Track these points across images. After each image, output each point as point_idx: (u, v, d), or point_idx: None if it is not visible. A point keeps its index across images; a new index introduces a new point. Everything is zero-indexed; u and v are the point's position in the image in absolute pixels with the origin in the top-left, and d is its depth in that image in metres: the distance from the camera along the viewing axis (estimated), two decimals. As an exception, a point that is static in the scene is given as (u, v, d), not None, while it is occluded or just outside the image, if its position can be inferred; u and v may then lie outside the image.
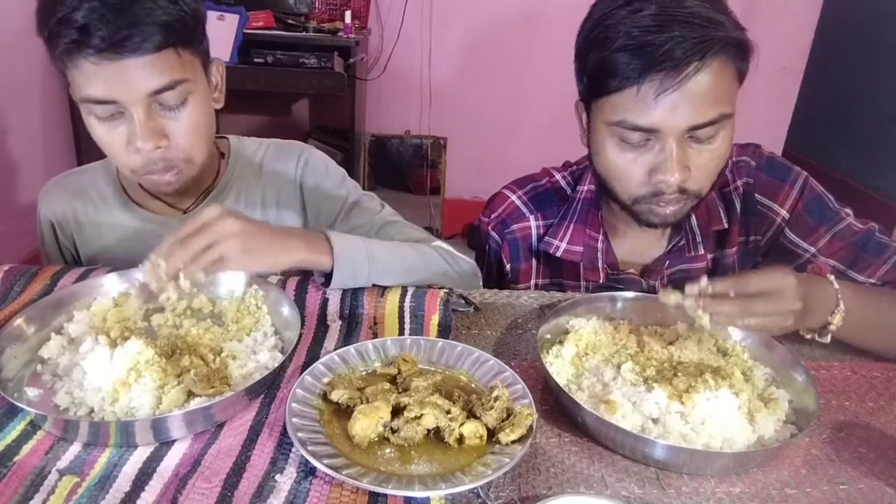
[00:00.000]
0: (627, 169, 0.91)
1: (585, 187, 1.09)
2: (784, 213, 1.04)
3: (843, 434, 0.75)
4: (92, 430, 0.66)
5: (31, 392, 0.74)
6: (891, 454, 0.72)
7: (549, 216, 1.11)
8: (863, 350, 0.90)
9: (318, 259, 0.91)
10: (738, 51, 0.85)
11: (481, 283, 1.10)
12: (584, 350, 0.83)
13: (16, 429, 0.68)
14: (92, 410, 0.70)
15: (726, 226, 1.05)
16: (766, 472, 0.68)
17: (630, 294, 0.93)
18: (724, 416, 0.70)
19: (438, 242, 1.08)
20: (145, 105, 0.90)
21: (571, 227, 1.08)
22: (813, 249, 1.03)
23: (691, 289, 0.76)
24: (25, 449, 0.66)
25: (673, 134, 0.85)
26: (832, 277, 0.85)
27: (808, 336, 0.87)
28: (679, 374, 0.76)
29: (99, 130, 0.93)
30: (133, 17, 0.84)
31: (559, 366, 0.81)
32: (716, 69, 0.83)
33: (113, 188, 1.13)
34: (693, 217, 1.02)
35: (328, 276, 0.92)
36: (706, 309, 0.74)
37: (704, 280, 0.75)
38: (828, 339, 0.85)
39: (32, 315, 0.81)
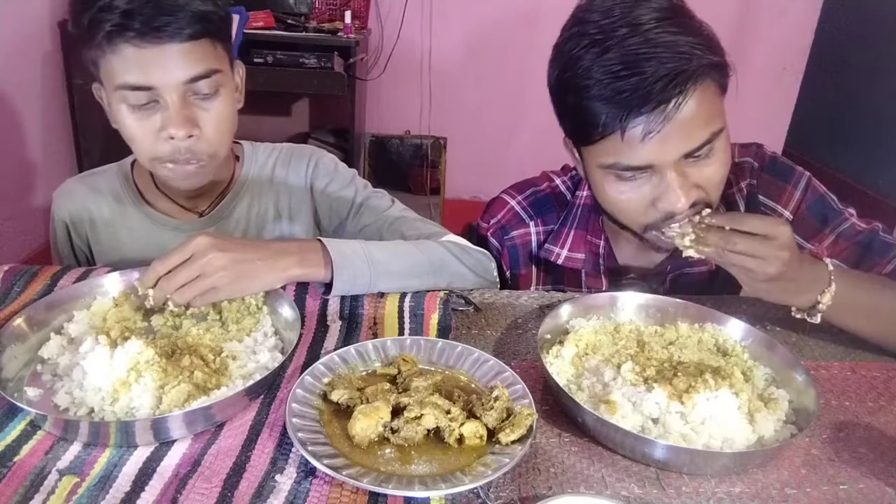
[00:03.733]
0: (631, 202, 0.91)
1: (585, 192, 1.08)
2: (787, 214, 1.03)
3: (843, 434, 0.75)
4: (92, 430, 0.66)
5: (31, 392, 0.74)
6: (891, 454, 0.72)
7: (549, 222, 1.10)
8: (855, 336, 0.90)
9: (314, 272, 0.91)
10: (717, 71, 0.84)
11: (496, 271, 1.07)
12: (584, 350, 0.83)
13: (16, 429, 0.68)
14: (92, 410, 0.70)
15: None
16: (766, 472, 0.68)
17: (630, 294, 0.93)
18: (724, 416, 0.70)
19: (450, 236, 1.07)
20: (180, 92, 0.93)
21: (572, 233, 1.07)
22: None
23: (690, 219, 0.80)
24: (25, 449, 0.66)
25: (668, 165, 0.85)
26: (828, 260, 0.84)
27: (798, 315, 0.87)
28: (679, 374, 0.76)
29: (129, 120, 0.95)
30: (172, 4, 0.89)
31: (559, 366, 0.81)
32: (698, 95, 0.82)
33: (128, 189, 1.14)
34: None
35: (329, 285, 0.92)
36: (697, 235, 0.78)
37: (707, 211, 0.78)
38: (817, 318, 0.85)
39: (32, 315, 0.81)
